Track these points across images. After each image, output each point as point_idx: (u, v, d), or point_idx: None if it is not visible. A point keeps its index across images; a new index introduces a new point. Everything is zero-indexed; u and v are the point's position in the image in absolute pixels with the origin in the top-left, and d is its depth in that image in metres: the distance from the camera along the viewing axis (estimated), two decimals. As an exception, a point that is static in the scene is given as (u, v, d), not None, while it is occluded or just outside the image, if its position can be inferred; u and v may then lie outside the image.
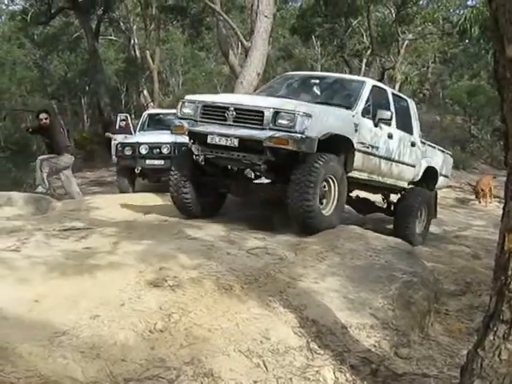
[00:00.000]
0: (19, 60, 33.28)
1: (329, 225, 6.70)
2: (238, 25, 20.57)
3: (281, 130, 6.43)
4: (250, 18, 15.30)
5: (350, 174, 7.25)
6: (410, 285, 5.42)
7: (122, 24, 30.18)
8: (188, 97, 7.42)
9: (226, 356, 3.99)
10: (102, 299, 4.33)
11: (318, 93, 8.21)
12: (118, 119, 17.27)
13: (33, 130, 11.32)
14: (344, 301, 4.93)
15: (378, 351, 4.40)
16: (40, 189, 10.07)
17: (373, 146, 7.59)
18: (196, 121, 6.99)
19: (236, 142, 6.61)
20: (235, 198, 8.02)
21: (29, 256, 5.15)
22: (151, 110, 17.72)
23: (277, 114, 6.49)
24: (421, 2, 22.96)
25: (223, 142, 6.69)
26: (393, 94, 8.61)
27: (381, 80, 22.42)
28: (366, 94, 7.70)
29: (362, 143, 7.32)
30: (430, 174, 9.27)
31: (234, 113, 6.72)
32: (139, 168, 11.92)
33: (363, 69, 27.48)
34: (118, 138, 14.63)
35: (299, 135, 6.36)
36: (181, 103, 7.27)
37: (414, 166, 8.77)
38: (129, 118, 17.55)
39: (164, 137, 11.78)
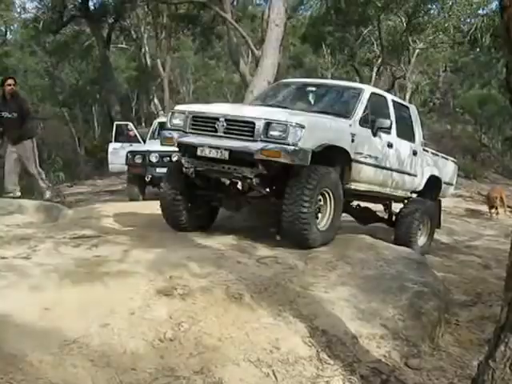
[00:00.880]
0: (31, 68, 33.56)
1: (325, 240, 6.52)
2: (249, 33, 20.55)
3: (273, 142, 6.11)
4: (261, 27, 15.37)
5: (347, 186, 7.03)
6: (420, 295, 5.39)
7: (133, 32, 30.37)
8: (178, 107, 7.15)
9: (236, 365, 3.98)
10: (112, 308, 4.34)
11: (314, 101, 7.96)
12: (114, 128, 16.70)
13: None
14: (354, 311, 4.91)
15: (388, 362, 4.38)
16: (48, 194, 9.90)
17: (371, 156, 7.33)
18: (186, 132, 6.68)
19: (226, 155, 6.30)
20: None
21: (39, 264, 5.19)
22: (162, 119, 17.63)
23: (268, 125, 6.17)
24: (432, 12, 22.89)
25: (213, 154, 6.37)
26: (393, 101, 8.32)
27: (391, 89, 22.46)
28: (364, 102, 7.42)
29: (359, 153, 7.05)
30: (434, 183, 9.07)
31: (225, 123, 6.40)
32: (149, 176, 11.95)
33: (373, 78, 27.44)
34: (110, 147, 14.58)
35: (292, 147, 6.04)
36: (170, 113, 7.02)
37: (415, 175, 8.54)
38: (131, 125, 16.98)
39: None
